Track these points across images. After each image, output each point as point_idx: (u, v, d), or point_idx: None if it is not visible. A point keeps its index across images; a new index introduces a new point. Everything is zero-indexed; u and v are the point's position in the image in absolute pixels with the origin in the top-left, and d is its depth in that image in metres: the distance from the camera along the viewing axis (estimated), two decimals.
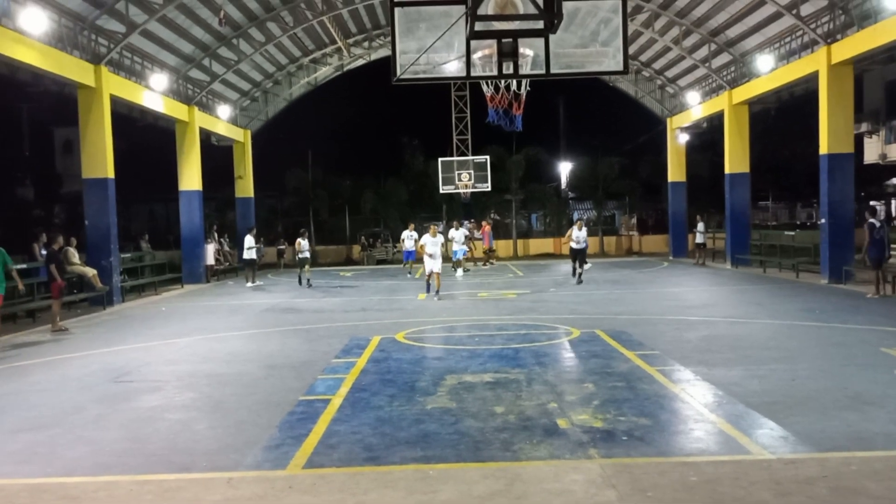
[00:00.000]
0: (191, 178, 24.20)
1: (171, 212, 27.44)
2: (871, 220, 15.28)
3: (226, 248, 28.00)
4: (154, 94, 21.00)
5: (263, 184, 32.22)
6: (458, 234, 24.08)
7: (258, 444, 6.19)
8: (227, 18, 21.04)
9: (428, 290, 17.52)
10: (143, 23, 18.65)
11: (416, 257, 20.85)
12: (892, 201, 38.43)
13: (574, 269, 19.84)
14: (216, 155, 28.90)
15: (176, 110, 22.86)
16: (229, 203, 31.41)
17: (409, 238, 23.43)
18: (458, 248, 23.68)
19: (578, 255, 19.39)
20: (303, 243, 22.24)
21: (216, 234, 27.06)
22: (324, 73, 30.03)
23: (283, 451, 5.99)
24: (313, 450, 5.97)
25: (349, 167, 41.07)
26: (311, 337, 12.04)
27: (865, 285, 16.25)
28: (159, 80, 20.84)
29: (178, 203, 24.50)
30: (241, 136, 29.05)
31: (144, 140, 30.00)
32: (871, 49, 17.05)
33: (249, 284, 22.25)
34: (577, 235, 19.06)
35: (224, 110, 26.34)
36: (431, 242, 17.21)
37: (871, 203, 34.40)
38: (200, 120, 24.53)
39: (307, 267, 22.54)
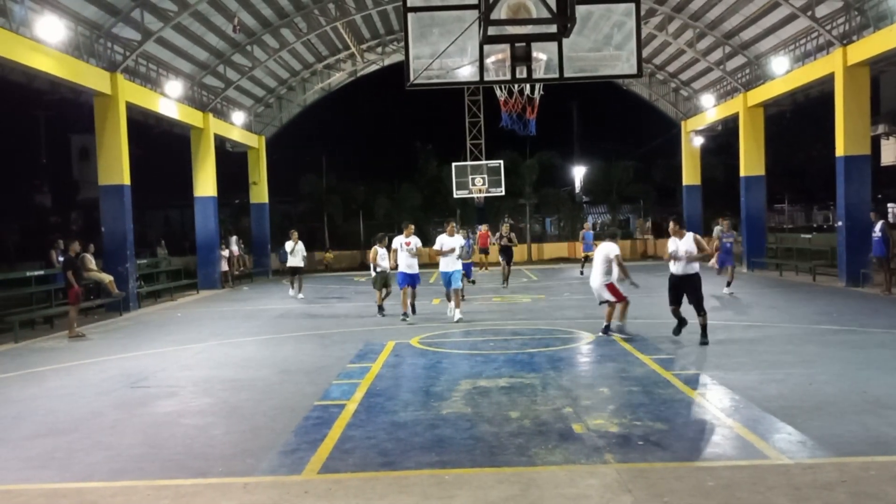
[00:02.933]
0: (206, 184, 24.35)
1: (186, 218, 27.65)
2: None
3: (241, 253, 28.13)
4: (169, 100, 21.18)
5: (278, 189, 32.37)
6: (454, 241, 14.22)
7: (274, 449, 6.21)
8: (241, 25, 21.20)
9: (407, 316, 14.13)
10: (159, 30, 18.82)
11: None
12: None
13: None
14: (231, 161, 29.09)
15: (191, 117, 23.02)
16: (244, 209, 31.59)
17: (382, 259, 15.29)
18: (454, 267, 14.02)
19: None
20: (293, 246, 20.04)
21: (232, 239, 27.20)
22: (338, 78, 30.16)
23: (298, 456, 6.00)
24: (329, 455, 5.98)
25: (363, 172, 41.24)
26: (326, 342, 12.07)
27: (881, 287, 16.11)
28: (174, 87, 21.00)
29: (193, 209, 24.66)
30: (255, 143, 29.22)
31: (160, 146, 30.25)
32: (887, 50, 16.89)
33: (292, 293, 20.17)
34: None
35: (238, 116, 26.51)
36: (449, 244, 14.05)
37: (889, 205, 34.10)
38: (215, 126, 24.70)
39: (297, 276, 20.23)
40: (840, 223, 18.64)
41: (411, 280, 14.31)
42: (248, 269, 27.93)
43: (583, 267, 23.17)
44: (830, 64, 18.74)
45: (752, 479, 5.19)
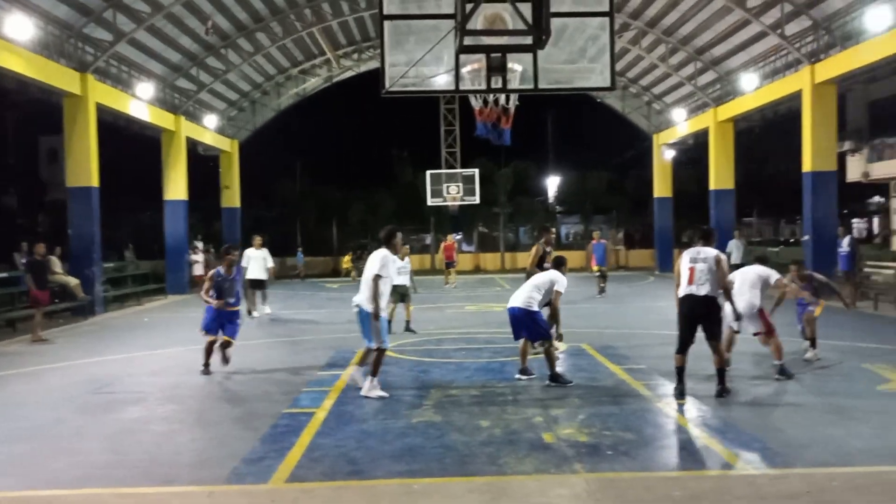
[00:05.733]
0: (176, 187, 24.08)
1: (156, 221, 27.30)
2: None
3: (212, 258, 27.82)
4: (140, 102, 20.92)
5: (250, 194, 32.13)
6: (377, 262, 8.22)
7: (240, 457, 6.13)
8: (215, 28, 21.04)
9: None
10: (131, 31, 18.63)
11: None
12: (874, 219, 38.84)
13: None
14: (203, 165, 28.80)
15: (162, 119, 22.77)
16: (215, 213, 31.27)
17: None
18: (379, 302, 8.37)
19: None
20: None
21: (201, 245, 26.91)
22: (313, 84, 30.04)
23: (265, 464, 5.93)
24: (297, 463, 5.92)
25: (338, 178, 41.07)
26: (297, 349, 11.97)
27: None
28: (146, 88, 20.76)
29: (163, 212, 24.35)
30: (228, 146, 28.98)
31: (130, 149, 29.85)
32: (853, 69, 17.31)
33: (256, 314, 16.47)
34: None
35: (211, 120, 26.27)
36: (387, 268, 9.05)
37: (854, 221, 34.82)
38: (187, 129, 24.46)
39: (260, 293, 16.64)
40: (807, 237, 18.97)
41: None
42: None
43: (604, 285, 20.22)
44: (799, 81, 19.11)
45: (718, 489, 5.25)
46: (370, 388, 8.14)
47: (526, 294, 8.87)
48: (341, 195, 37.96)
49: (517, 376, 9.07)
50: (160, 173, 24.16)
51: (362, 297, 8.08)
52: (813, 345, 9.98)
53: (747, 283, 8.99)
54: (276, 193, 38.39)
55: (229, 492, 5.39)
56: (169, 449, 6.46)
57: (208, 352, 9.80)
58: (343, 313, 17.24)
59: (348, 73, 29.92)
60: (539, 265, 9.71)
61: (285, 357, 11.23)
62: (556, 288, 8.82)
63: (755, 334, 9.07)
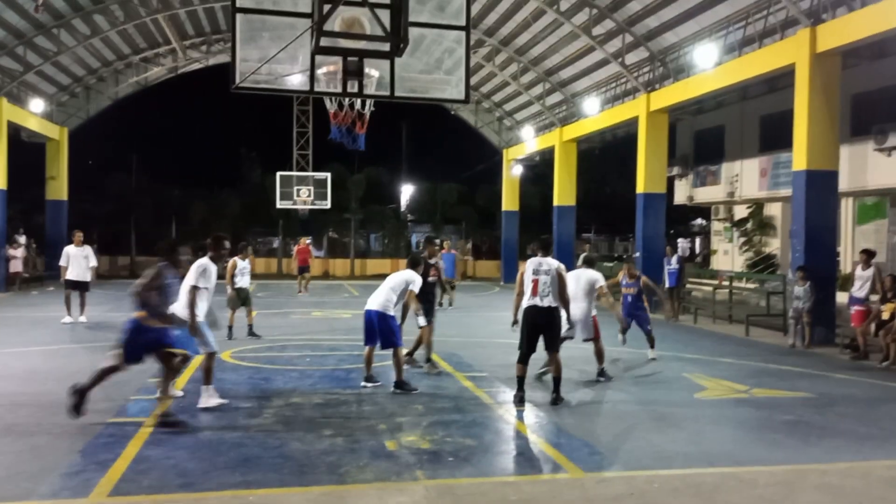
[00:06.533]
0: None
1: None
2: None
3: (32, 254, 25.61)
4: None
5: (79, 187, 29.84)
6: (195, 272, 7.88)
7: (56, 470, 5.63)
8: (47, 6, 19.38)
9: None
10: None
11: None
12: (697, 239, 42.33)
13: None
14: (26, 152, 26.37)
15: None
16: (38, 205, 28.76)
17: (242, 273, 12.90)
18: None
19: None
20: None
21: (23, 239, 24.70)
22: (155, 73, 28.38)
23: (84, 477, 5.48)
24: (121, 476, 5.52)
25: (179, 175, 39.17)
26: None
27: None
28: None
29: None
30: (56, 134, 26.75)
31: None
32: (683, 100, 18.81)
33: (69, 319, 14.62)
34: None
35: (38, 104, 24.12)
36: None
37: (679, 240, 37.76)
38: (9, 113, 22.32)
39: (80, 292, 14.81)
40: (638, 253, 20.32)
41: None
42: (38, 272, 25.43)
43: (451, 297, 19.10)
44: (636, 108, 20.48)
45: (551, 492, 5.46)
46: (207, 398, 7.75)
47: (383, 297, 8.85)
48: (182, 193, 36.20)
49: (363, 384, 9.00)
50: None
51: (178, 307, 7.57)
52: (652, 345, 11.34)
53: (581, 290, 9.50)
54: (109, 188, 35.95)
55: None
56: None
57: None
58: None
59: (195, 66, 28.54)
60: (424, 276, 9.60)
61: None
62: (410, 287, 8.88)
63: (585, 340, 9.65)
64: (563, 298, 8.19)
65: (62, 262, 14.77)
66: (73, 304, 14.76)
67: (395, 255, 36.78)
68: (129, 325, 7.13)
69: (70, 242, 15.42)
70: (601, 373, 9.62)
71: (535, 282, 8.03)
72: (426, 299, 9.87)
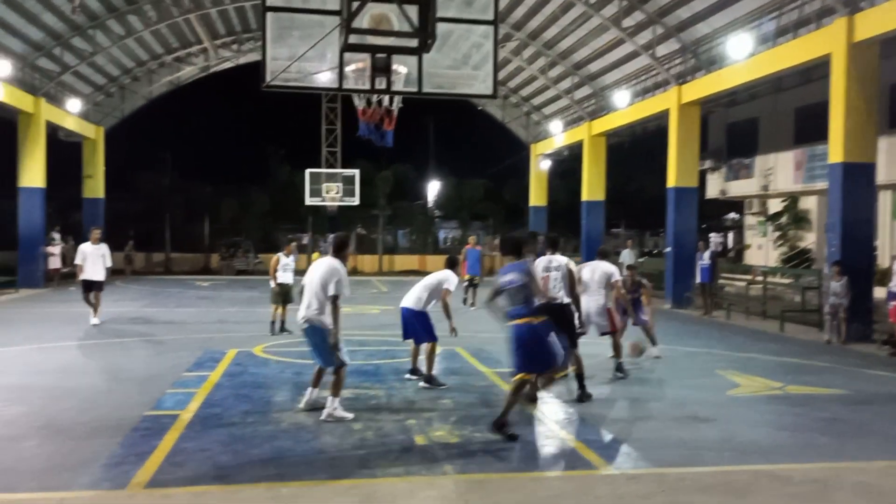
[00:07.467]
0: (33, 174, 22.38)
1: (7, 209, 25.26)
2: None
3: (70, 251, 26.11)
4: None
5: (115, 185, 30.36)
6: (332, 274, 7.42)
7: (96, 462, 5.76)
8: (83, 7, 19.74)
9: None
10: None
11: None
12: (729, 233, 41.78)
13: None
14: (63, 151, 26.90)
15: (20, 101, 21.11)
16: (75, 203, 29.33)
17: (284, 269, 13.40)
18: None
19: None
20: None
21: (59, 237, 25.22)
22: (188, 72, 28.76)
23: (123, 469, 5.60)
24: (157, 468, 5.63)
25: (210, 173, 39.68)
26: (161, 349, 11.41)
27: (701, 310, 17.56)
28: (2, 66, 19.17)
29: (16, 200, 22.58)
30: (92, 133, 27.25)
31: None
32: (715, 92, 18.55)
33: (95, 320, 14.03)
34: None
35: (75, 104, 24.57)
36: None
37: (711, 235, 37.33)
38: (47, 113, 22.80)
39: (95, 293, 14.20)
40: (669, 249, 20.12)
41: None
42: (75, 269, 25.93)
43: (471, 297, 18.15)
44: (666, 101, 20.26)
45: (579, 489, 5.45)
46: (333, 409, 7.19)
47: (416, 294, 9.03)
48: (213, 190, 36.66)
49: (407, 376, 9.17)
50: (15, 158, 22.37)
51: (311, 312, 7.20)
52: (654, 342, 10.95)
53: (596, 283, 9.44)
54: (143, 186, 36.54)
55: (82, 497, 5.05)
56: (12, 455, 5.96)
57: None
58: (212, 312, 16.67)
59: (226, 64, 28.85)
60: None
61: (148, 357, 10.68)
62: (445, 286, 8.97)
63: (602, 334, 9.54)
64: (574, 295, 8.18)
65: (78, 261, 14.27)
66: (79, 307, 14.26)
67: (423, 252, 36.88)
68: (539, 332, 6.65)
69: (103, 241, 14.82)
70: (619, 367, 9.49)
71: (546, 279, 8.01)
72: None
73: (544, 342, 6.61)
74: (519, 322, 6.63)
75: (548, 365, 6.70)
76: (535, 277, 6.74)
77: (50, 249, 23.57)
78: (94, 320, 13.97)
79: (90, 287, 14.11)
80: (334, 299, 7.11)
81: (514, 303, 6.68)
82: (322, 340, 7.22)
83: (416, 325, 8.89)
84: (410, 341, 9.14)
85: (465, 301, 17.89)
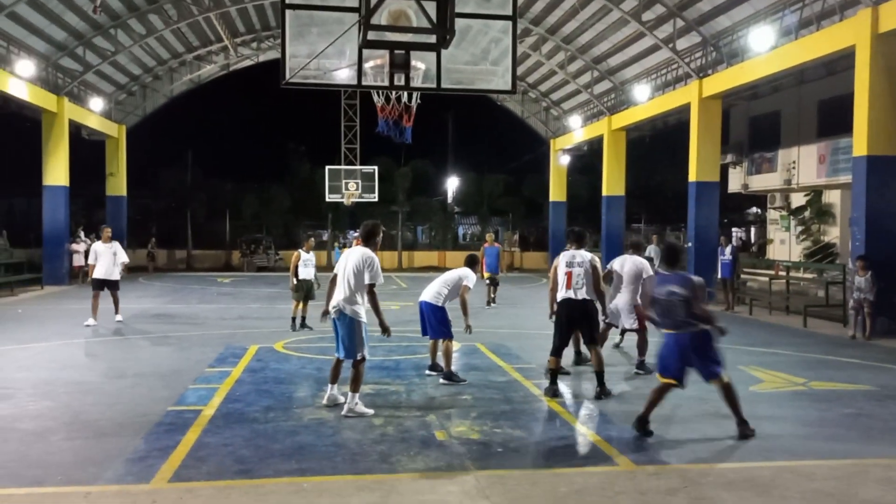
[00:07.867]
0: (57, 172, 22.68)
1: (33, 207, 25.63)
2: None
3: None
4: (20, 81, 19.58)
5: (137, 183, 30.72)
6: (365, 262, 7.47)
7: (120, 456, 5.84)
8: (104, 6, 19.95)
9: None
10: (11, 4, 17.40)
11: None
12: (752, 228, 41.35)
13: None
14: (86, 149, 27.26)
15: (43, 100, 21.40)
16: (98, 201, 29.70)
17: (306, 265, 13.45)
18: None
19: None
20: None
21: (83, 233, 25.54)
22: (208, 71, 29.00)
23: (147, 463, 5.67)
24: (181, 463, 5.69)
25: (231, 170, 39.98)
26: (184, 345, 11.53)
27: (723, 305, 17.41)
28: (26, 66, 19.46)
29: (41, 198, 22.91)
30: (114, 132, 27.55)
31: (7, 130, 27.94)
32: (737, 85, 18.34)
33: (92, 321, 13.37)
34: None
35: (97, 103, 24.87)
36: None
37: (733, 229, 36.97)
38: (70, 112, 23.09)
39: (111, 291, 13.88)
40: (690, 244, 19.96)
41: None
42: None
43: (494, 295, 17.97)
44: (687, 95, 20.08)
45: (601, 484, 5.43)
46: (354, 405, 7.13)
47: (435, 290, 9.06)
48: (234, 187, 36.91)
49: (427, 372, 9.17)
50: (39, 157, 22.68)
51: (343, 300, 7.20)
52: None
53: (628, 278, 9.39)
54: (165, 183, 36.90)
55: (107, 492, 5.12)
56: (40, 448, 6.06)
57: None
58: (234, 308, 16.80)
59: (246, 62, 29.07)
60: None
61: (171, 353, 10.79)
62: (464, 283, 8.96)
63: (629, 329, 9.52)
64: (598, 291, 8.12)
65: (90, 260, 14.05)
66: (103, 303, 13.73)
67: (443, 248, 36.91)
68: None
69: (97, 238, 14.53)
70: (640, 365, 9.38)
71: (569, 274, 7.96)
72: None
73: (707, 351, 6.56)
74: (678, 332, 6.52)
75: (712, 375, 6.61)
76: (699, 296, 6.54)
77: (74, 247, 23.88)
78: (91, 321, 13.36)
79: (103, 286, 13.78)
80: (371, 287, 7.17)
81: (674, 315, 6.51)
82: (350, 331, 7.23)
83: (433, 320, 8.94)
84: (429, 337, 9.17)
85: (488, 303, 17.78)
